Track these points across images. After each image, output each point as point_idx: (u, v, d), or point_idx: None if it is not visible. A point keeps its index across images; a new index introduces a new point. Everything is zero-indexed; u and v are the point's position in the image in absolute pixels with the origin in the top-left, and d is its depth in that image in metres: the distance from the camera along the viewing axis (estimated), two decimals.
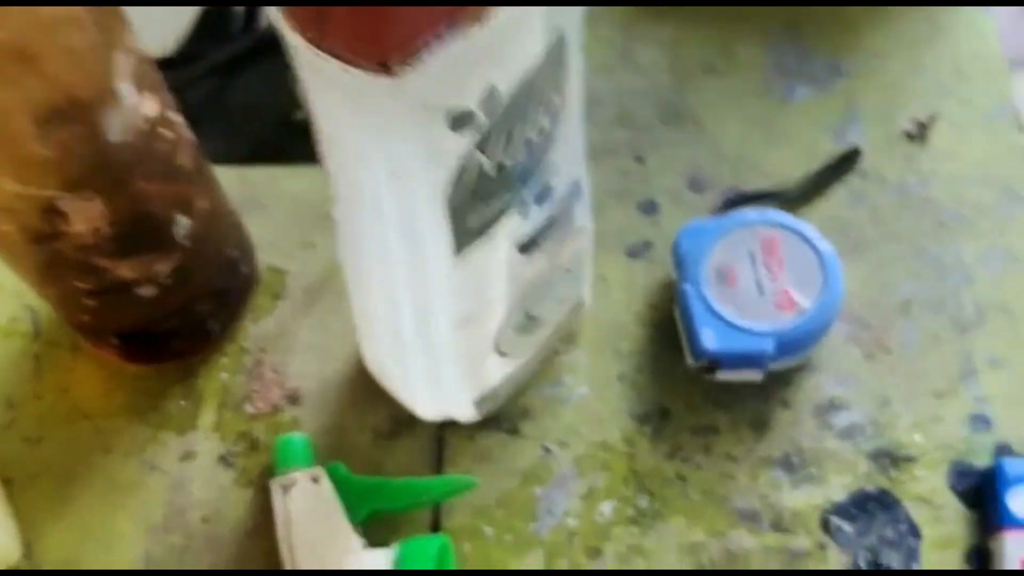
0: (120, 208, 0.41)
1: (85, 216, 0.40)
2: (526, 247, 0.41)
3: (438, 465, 0.51)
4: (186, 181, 0.45)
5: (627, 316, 0.55)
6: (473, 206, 0.35)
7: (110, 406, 0.53)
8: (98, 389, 0.54)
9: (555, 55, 0.34)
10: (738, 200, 0.58)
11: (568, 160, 0.40)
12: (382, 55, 0.28)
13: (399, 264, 0.38)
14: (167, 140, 0.43)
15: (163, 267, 0.46)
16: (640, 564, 0.49)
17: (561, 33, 0.34)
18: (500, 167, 0.34)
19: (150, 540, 0.50)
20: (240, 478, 0.51)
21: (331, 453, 0.51)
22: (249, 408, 0.53)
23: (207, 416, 0.53)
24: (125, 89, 0.39)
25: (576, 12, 0.35)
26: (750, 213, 0.53)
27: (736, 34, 0.64)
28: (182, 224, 0.45)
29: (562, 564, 0.49)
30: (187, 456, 0.52)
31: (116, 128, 0.39)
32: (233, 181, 0.53)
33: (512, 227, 0.39)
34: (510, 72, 0.32)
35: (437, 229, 0.35)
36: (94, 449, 0.52)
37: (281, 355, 0.54)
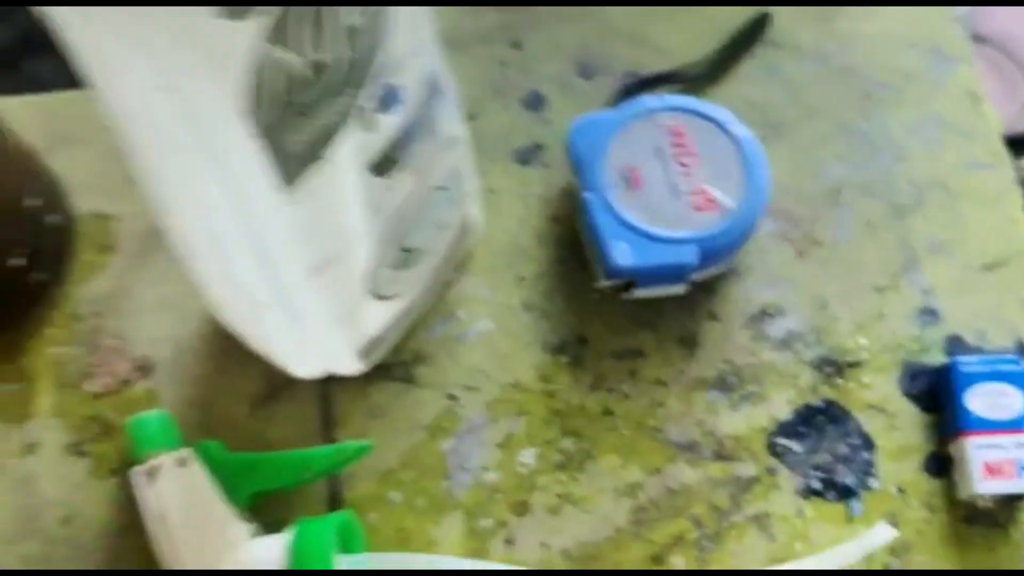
0: None
1: None
2: (380, 167, 0.33)
3: (328, 428, 0.44)
4: None
5: (525, 234, 0.48)
6: (291, 122, 0.27)
7: None
8: None
9: None
10: (636, 86, 0.50)
11: (415, 51, 0.32)
12: None
13: (220, 208, 0.30)
14: None
15: None
16: (573, 513, 0.43)
17: None
18: (316, 66, 0.27)
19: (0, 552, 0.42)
20: (96, 468, 0.43)
21: (201, 429, 0.43)
22: (92, 385, 0.45)
23: (44, 399, 0.44)
24: None
25: None
26: (651, 100, 0.46)
27: None
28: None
29: (486, 524, 0.42)
30: (29, 449, 0.44)
31: None
32: (32, 113, 0.44)
33: (355, 144, 0.31)
34: None
35: (248, 159, 0.27)
36: None
37: (122, 319, 0.46)
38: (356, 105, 0.29)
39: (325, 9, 0.25)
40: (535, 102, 0.50)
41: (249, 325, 0.40)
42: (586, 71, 0.51)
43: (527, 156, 0.49)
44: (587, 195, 0.44)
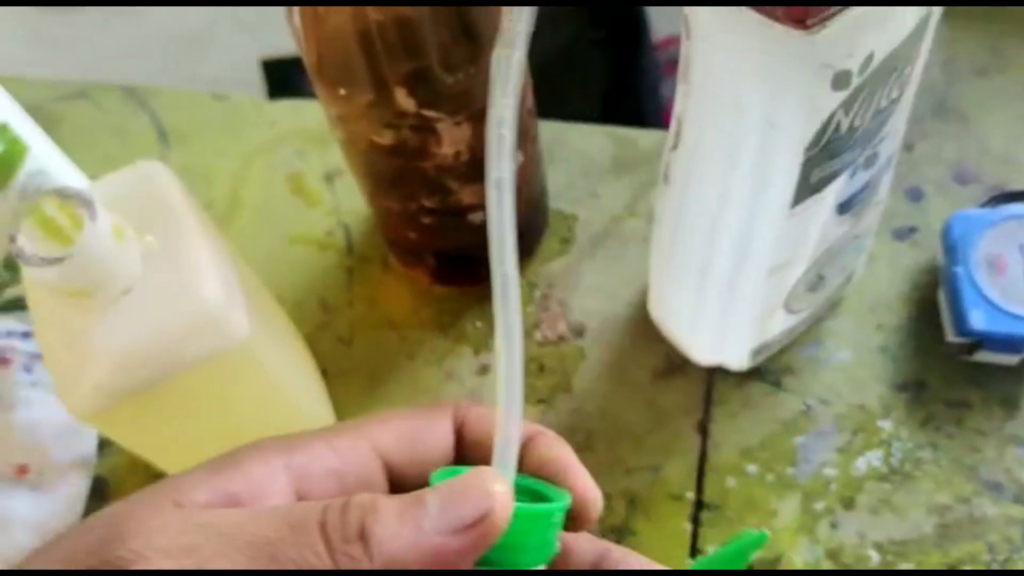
0: (482, 136, 0.47)
1: (454, 139, 0.47)
2: (844, 208, 0.45)
3: (708, 406, 0.56)
4: (527, 116, 0.51)
5: (891, 293, 0.58)
6: (820, 162, 0.40)
7: (415, 319, 0.60)
8: (405, 303, 0.60)
9: (919, 28, 0.38)
10: (1005, 197, 0.61)
11: (895, 131, 0.44)
12: (803, 13, 0.33)
13: (736, 211, 0.43)
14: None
15: None
16: (889, 516, 0.52)
17: (930, 8, 0.38)
18: (851, 127, 0.39)
19: None
20: (529, 397, 0.57)
21: (612, 386, 0.56)
22: (537, 335, 0.59)
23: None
24: None
25: None
26: (1020, 207, 0.56)
27: (1008, 35, 0.67)
28: (517, 157, 0.51)
29: (818, 508, 0.53)
30: (482, 370, 0.58)
31: None
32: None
33: (840, 187, 0.43)
34: (889, 40, 0.36)
35: (786, 181, 0.40)
36: (399, 355, 0.59)
37: (567, 292, 0.60)
38: (856, 160, 0.41)
39: (877, 92, 0.37)
40: (916, 195, 0.62)
41: (683, 308, 0.53)
42: (961, 178, 0.62)
43: (902, 234, 0.60)
44: (956, 269, 0.54)
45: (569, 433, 0.54)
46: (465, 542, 0.25)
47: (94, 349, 0.39)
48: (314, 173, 0.65)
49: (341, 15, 0.41)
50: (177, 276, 0.41)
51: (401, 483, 0.30)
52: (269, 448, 0.28)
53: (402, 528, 0.24)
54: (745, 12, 0.34)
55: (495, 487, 0.26)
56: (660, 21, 1.50)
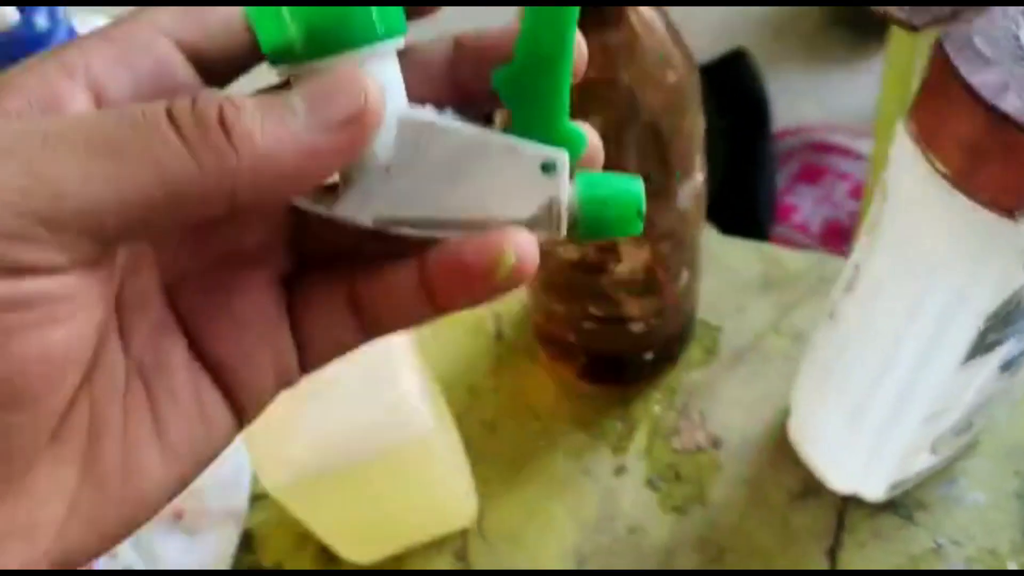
0: (658, 256, 0.50)
1: (632, 259, 0.49)
2: (1006, 366, 0.46)
3: (839, 532, 0.57)
4: (696, 237, 0.54)
5: None
6: (997, 328, 0.42)
7: (557, 412, 0.62)
8: (549, 395, 0.63)
9: None
10: None
11: None
12: (1013, 203, 0.35)
13: (907, 362, 0.45)
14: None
15: (657, 309, 0.55)
16: None
17: None
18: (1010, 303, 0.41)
19: (581, 536, 0.58)
20: (663, 502, 0.59)
21: (746, 503, 0.58)
22: (675, 442, 0.61)
23: (639, 440, 0.61)
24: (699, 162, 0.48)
25: None
26: None
27: None
28: (683, 277, 0.54)
29: None
30: (619, 471, 0.60)
31: (685, 196, 0.48)
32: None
33: (1008, 348, 0.45)
34: None
35: (962, 342, 0.42)
36: (540, 445, 0.62)
37: (707, 403, 0.62)
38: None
39: None
40: None
41: (822, 440, 0.55)
42: None
43: None
44: None
45: (701, 545, 0.57)
46: (340, 139, 0.21)
47: (297, 430, 0.43)
48: None
49: None
50: (375, 367, 0.44)
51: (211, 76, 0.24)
52: (41, 58, 0.22)
53: (267, 122, 0.20)
54: (955, 195, 0.36)
55: (367, 82, 0.22)
56: (781, 111, 1.53)
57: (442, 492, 0.53)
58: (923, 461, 0.54)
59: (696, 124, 0.46)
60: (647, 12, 0.41)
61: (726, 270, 0.67)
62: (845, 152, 1.44)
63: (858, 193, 1.39)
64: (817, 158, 1.47)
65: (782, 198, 1.43)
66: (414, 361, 0.46)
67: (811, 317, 0.64)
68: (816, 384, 0.54)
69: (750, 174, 1.47)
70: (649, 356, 0.60)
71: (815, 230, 1.39)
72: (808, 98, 1.66)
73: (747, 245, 0.68)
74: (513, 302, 0.66)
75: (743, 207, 1.43)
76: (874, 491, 0.56)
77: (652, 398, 0.63)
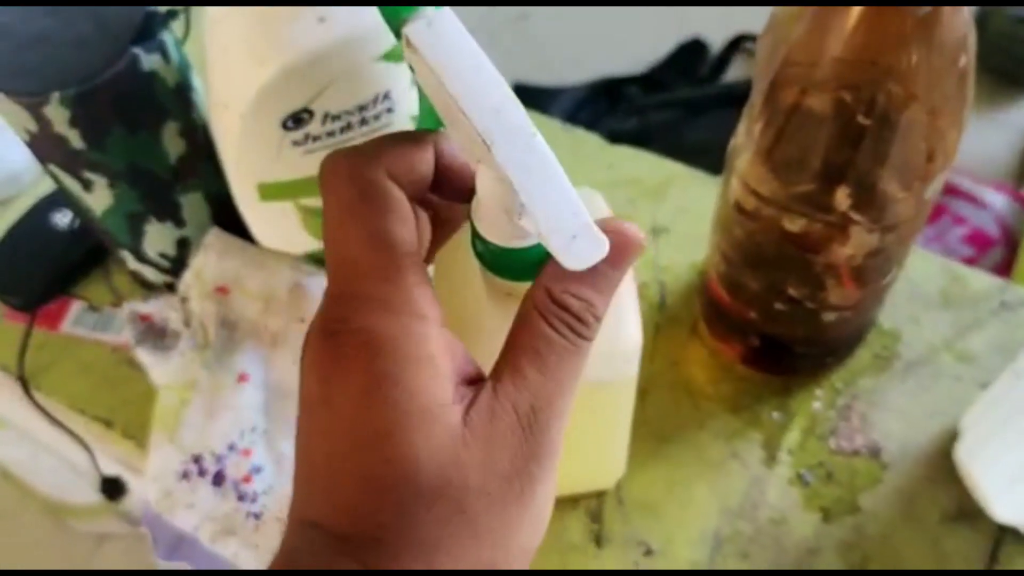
0: (884, 246, 0.48)
1: (859, 243, 0.47)
2: None
3: (991, 562, 0.55)
4: (916, 234, 0.51)
5: None
6: None
7: (712, 391, 0.61)
8: (705, 373, 0.61)
9: None
10: None
11: None
12: None
13: None
14: None
15: (856, 301, 0.53)
16: None
17: None
18: None
19: (722, 519, 0.56)
20: (808, 501, 0.57)
21: (899, 516, 0.56)
22: (832, 442, 0.59)
23: (794, 434, 0.59)
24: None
25: None
26: None
27: None
28: (892, 274, 0.52)
29: None
30: (769, 461, 0.58)
31: (932, 188, 0.46)
32: None
33: None
34: None
35: None
36: (690, 421, 0.60)
37: (870, 408, 0.60)
38: None
39: None
40: None
41: (993, 467, 0.53)
42: None
43: None
44: None
45: (845, 549, 0.55)
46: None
47: None
48: (642, 224, 0.66)
49: (823, 104, 0.43)
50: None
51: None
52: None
53: None
54: None
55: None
56: None
57: (610, 444, 0.51)
58: None
59: (966, 117, 0.44)
60: None
61: (905, 279, 0.64)
62: (968, 197, 1.41)
63: (975, 240, 1.35)
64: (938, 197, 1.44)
65: None
66: (637, 305, 0.45)
67: (988, 343, 0.62)
68: (998, 415, 0.52)
69: None
70: (822, 349, 0.58)
71: None
72: None
73: (930, 257, 0.65)
74: (681, 272, 0.64)
75: None
76: None
77: (813, 394, 0.61)
